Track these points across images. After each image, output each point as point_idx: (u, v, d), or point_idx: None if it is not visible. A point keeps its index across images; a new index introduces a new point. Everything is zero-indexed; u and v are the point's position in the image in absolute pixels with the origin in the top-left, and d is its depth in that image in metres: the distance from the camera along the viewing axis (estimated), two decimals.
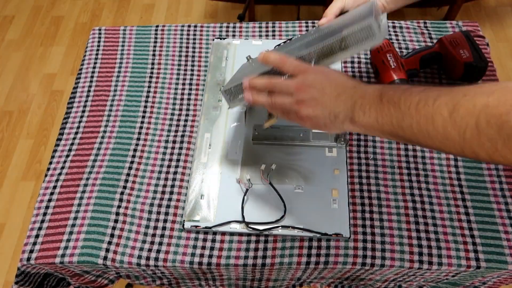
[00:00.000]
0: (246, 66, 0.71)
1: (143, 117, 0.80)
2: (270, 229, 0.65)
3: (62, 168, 0.74)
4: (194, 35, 0.91)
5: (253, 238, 0.66)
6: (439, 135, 0.40)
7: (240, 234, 0.66)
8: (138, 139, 0.77)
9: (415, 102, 0.42)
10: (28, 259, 0.65)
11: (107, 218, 0.68)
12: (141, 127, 0.78)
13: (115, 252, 0.65)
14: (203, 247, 0.65)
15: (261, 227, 0.65)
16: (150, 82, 0.84)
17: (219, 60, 0.85)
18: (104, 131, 0.78)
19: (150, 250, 0.65)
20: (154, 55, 0.88)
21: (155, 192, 0.71)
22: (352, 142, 0.75)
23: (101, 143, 0.77)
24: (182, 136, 0.77)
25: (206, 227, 0.66)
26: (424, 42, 0.86)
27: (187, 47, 0.89)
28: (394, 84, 0.48)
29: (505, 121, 0.34)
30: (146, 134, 0.78)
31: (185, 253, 0.65)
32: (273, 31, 0.91)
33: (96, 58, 0.89)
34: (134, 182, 0.72)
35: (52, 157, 0.76)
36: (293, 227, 0.65)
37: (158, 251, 0.65)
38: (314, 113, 0.49)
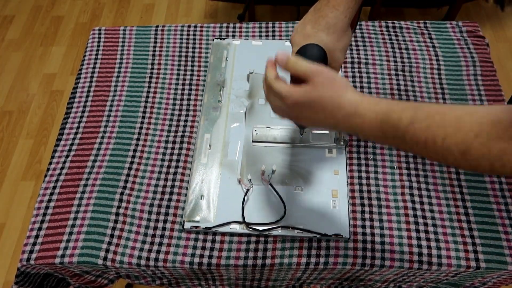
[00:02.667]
0: None
1: (143, 117, 0.80)
2: (270, 229, 0.65)
3: (62, 168, 0.74)
4: (194, 35, 0.91)
5: (253, 238, 0.66)
6: (451, 164, 0.42)
7: (240, 235, 0.66)
8: (138, 139, 0.77)
9: (423, 141, 0.41)
10: (28, 259, 0.65)
11: (107, 218, 0.69)
12: (141, 127, 0.78)
13: (115, 253, 0.65)
14: (203, 248, 0.65)
15: (261, 228, 0.65)
16: (150, 82, 0.84)
17: (219, 60, 0.85)
18: (104, 131, 0.78)
19: (150, 250, 0.65)
20: (154, 55, 0.88)
21: (155, 192, 0.71)
22: (352, 143, 0.75)
23: (101, 143, 0.77)
24: (182, 136, 0.77)
25: (206, 228, 0.66)
26: (424, 43, 0.86)
27: (187, 47, 0.89)
28: (390, 112, 0.44)
29: None
30: (146, 134, 0.78)
31: (185, 254, 0.65)
32: (273, 31, 0.91)
33: (96, 58, 0.89)
34: (134, 182, 0.72)
35: (52, 157, 0.76)
36: (293, 228, 0.65)
37: (158, 252, 0.65)
38: (317, 128, 0.51)
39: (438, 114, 0.41)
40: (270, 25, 0.92)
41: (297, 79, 0.48)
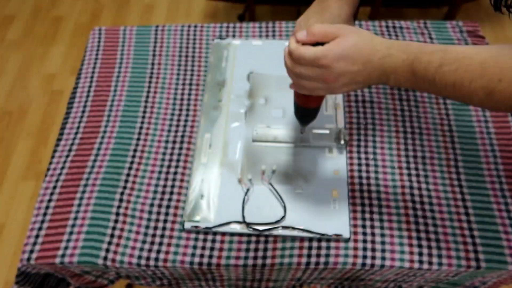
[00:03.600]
0: None
1: (143, 117, 0.80)
2: (270, 229, 0.65)
3: (62, 168, 0.74)
4: (194, 35, 0.91)
5: (253, 238, 0.66)
6: (476, 105, 0.45)
7: (240, 235, 0.66)
8: (138, 139, 0.77)
9: (451, 83, 0.44)
10: (28, 259, 0.65)
11: (107, 218, 0.69)
12: (141, 127, 0.78)
13: (115, 252, 0.65)
14: (203, 248, 0.65)
15: (261, 228, 0.65)
16: (150, 82, 0.84)
17: (219, 60, 0.85)
18: (104, 131, 0.78)
19: (150, 250, 0.65)
20: (154, 55, 0.88)
21: (155, 192, 0.71)
22: (352, 143, 0.75)
23: (101, 143, 0.77)
24: (182, 136, 0.77)
25: (206, 228, 0.66)
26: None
27: (187, 47, 0.89)
28: (421, 53, 0.45)
29: None
30: (146, 134, 0.78)
31: (185, 254, 0.65)
32: (273, 31, 0.91)
33: (96, 58, 0.89)
34: (134, 182, 0.72)
35: (52, 157, 0.76)
36: (293, 228, 0.65)
37: (158, 252, 0.65)
38: (349, 90, 0.50)
39: (465, 58, 0.44)
40: (270, 25, 0.92)
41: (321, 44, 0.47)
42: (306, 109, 0.61)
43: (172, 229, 0.67)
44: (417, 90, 0.48)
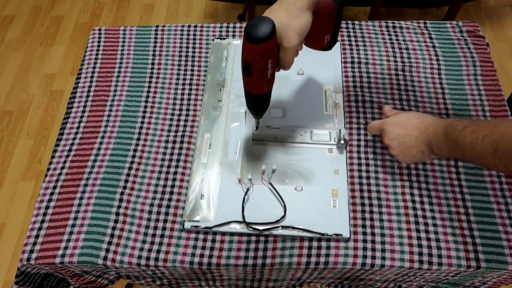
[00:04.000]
0: None
1: (143, 117, 0.80)
2: (270, 229, 0.65)
3: (62, 168, 0.74)
4: (194, 35, 0.91)
5: (253, 238, 0.66)
6: (491, 165, 0.51)
7: (240, 234, 0.66)
8: (138, 139, 0.77)
9: (469, 142, 0.51)
10: (28, 259, 0.65)
11: (107, 218, 0.69)
12: (141, 127, 0.78)
13: (115, 252, 0.65)
14: (203, 247, 0.65)
15: (261, 227, 0.65)
16: (150, 82, 0.84)
17: (219, 60, 0.85)
18: (104, 131, 0.78)
19: (150, 250, 0.65)
20: (154, 55, 0.88)
21: (155, 192, 0.71)
22: (352, 142, 0.75)
23: (101, 143, 0.77)
24: (182, 136, 0.77)
25: (206, 227, 0.66)
26: (424, 42, 0.86)
27: (187, 47, 0.89)
28: (454, 120, 0.56)
29: None
30: (146, 134, 0.78)
31: (185, 253, 0.65)
32: None
33: (96, 58, 0.89)
34: (134, 182, 0.72)
35: (52, 157, 0.76)
36: (293, 227, 0.65)
37: (158, 251, 0.65)
38: (405, 155, 0.64)
39: (484, 121, 0.52)
40: None
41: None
42: (257, 96, 0.61)
43: (172, 229, 0.67)
44: (456, 157, 0.59)
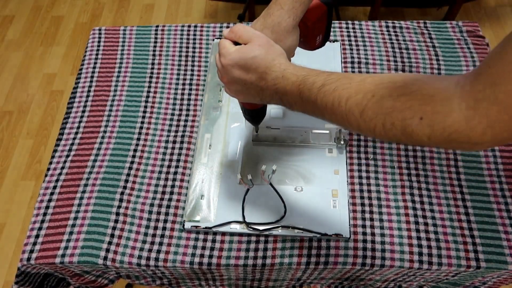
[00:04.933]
0: None
1: (143, 117, 0.80)
2: (270, 229, 0.65)
3: (62, 168, 0.74)
4: (194, 35, 0.91)
5: (253, 238, 0.66)
6: (354, 129, 0.43)
7: (240, 234, 0.66)
8: (138, 139, 0.77)
9: (330, 103, 0.44)
10: (28, 259, 0.65)
11: (107, 218, 0.69)
12: (141, 127, 0.78)
13: (115, 252, 0.65)
14: (203, 247, 0.65)
15: (261, 227, 0.65)
16: (150, 82, 0.84)
17: None
18: (104, 131, 0.78)
19: (150, 250, 0.65)
20: (154, 55, 0.88)
21: (155, 192, 0.71)
22: (352, 143, 0.75)
23: (101, 143, 0.77)
24: (182, 136, 0.77)
25: (206, 228, 0.66)
26: (424, 42, 0.86)
27: (187, 47, 0.89)
28: (308, 75, 0.46)
29: (408, 125, 0.38)
30: (146, 134, 0.78)
31: (185, 253, 0.65)
32: None
33: (96, 58, 0.89)
34: (134, 182, 0.72)
35: (52, 157, 0.76)
36: (293, 228, 0.65)
37: (158, 251, 0.65)
38: (245, 100, 0.54)
39: (346, 77, 0.43)
40: None
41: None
42: (252, 111, 0.62)
43: (172, 229, 0.67)
44: (312, 115, 0.49)
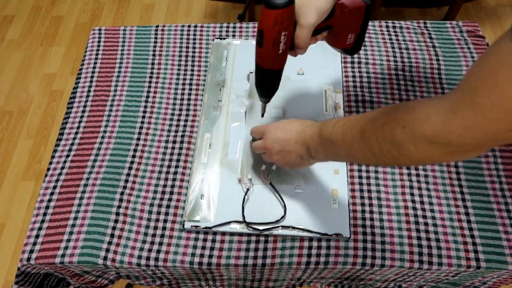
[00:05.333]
0: None
1: (143, 117, 0.80)
2: (270, 229, 0.65)
3: (62, 168, 0.74)
4: (194, 35, 0.91)
5: (253, 238, 0.66)
6: (360, 156, 0.49)
7: (240, 234, 0.66)
8: (138, 139, 0.77)
9: (340, 134, 0.50)
10: (28, 259, 0.65)
11: (107, 218, 0.69)
12: (141, 127, 0.78)
13: (115, 252, 0.65)
14: (203, 247, 0.65)
15: (261, 227, 0.65)
16: (150, 82, 0.84)
17: (219, 60, 0.85)
18: (104, 131, 0.78)
19: (150, 250, 0.65)
20: (154, 55, 0.88)
21: (155, 192, 0.71)
22: None
23: (101, 143, 0.77)
24: (182, 136, 0.77)
25: (206, 227, 0.66)
26: (424, 42, 0.86)
27: (187, 47, 0.89)
28: (324, 122, 0.55)
29: (394, 135, 0.42)
30: (146, 134, 0.78)
31: (185, 253, 0.65)
32: None
33: (96, 58, 0.89)
34: (134, 182, 0.72)
35: (52, 157, 0.76)
36: (293, 227, 0.65)
37: (158, 251, 0.65)
38: (286, 160, 0.62)
39: (353, 115, 0.51)
40: None
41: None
42: (266, 71, 0.59)
43: (172, 229, 0.67)
44: (332, 157, 0.56)
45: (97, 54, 0.89)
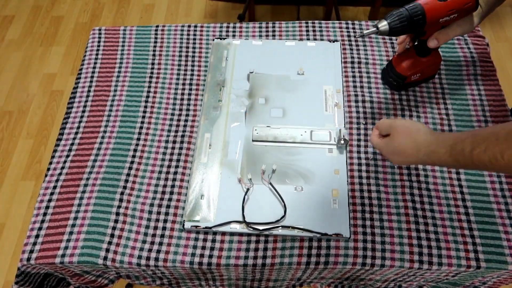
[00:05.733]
0: None
1: (143, 117, 0.80)
2: (270, 229, 0.65)
3: (62, 168, 0.74)
4: (194, 35, 0.91)
5: (253, 238, 0.66)
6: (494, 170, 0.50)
7: (240, 234, 0.66)
8: (138, 139, 0.77)
9: (488, 161, 0.49)
10: (28, 259, 0.65)
11: (107, 218, 0.69)
12: (141, 127, 0.78)
13: (115, 252, 0.65)
14: (203, 247, 0.65)
15: (261, 227, 0.65)
16: (150, 82, 0.84)
17: (219, 60, 0.85)
18: (104, 131, 0.78)
19: (150, 250, 0.65)
20: (154, 55, 0.88)
21: (155, 192, 0.71)
22: (352, 142, 0.75)
23: (101, 143, 0.77)
24: (182, 136, 0.77)
25: (206, 227, 0.66)
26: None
27: (187, 47, 0.89)
28: (455, 144, 0.53)
29: None
30: (146, 134, 0.78)
31: (185, 253, 0.65)
32: (273, 31, 0.91)
33: (96, 58, 0.89)
34: (134, 182, 0.72)
35: (52, 157, 0.76)
36: (293, 227, 0.65)
37: (158, 251, 0.65)
38: (399, 162, 0.60)
39: (492, 134, 0.49)
40: (270, 25, 0.92)
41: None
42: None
43: (172, 229, 0.67)
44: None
45: (97, 54, 0.89)
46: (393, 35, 0.66)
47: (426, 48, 0.72)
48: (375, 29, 0.66)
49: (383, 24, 0.65)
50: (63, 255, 0.65)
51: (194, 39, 0.91)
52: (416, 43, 0.74)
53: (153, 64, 0.87)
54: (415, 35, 0.72)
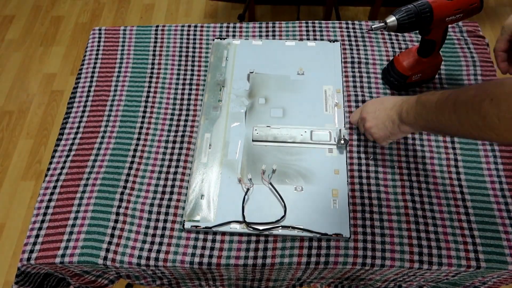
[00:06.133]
0: None
1: (143, 117, 0.80)
2: (270, 229, 0.65)
3: (62, 168, 0.74)
4: (194, 35, 0.91)
5: (253, 238, 0.66)
6: (447, 123, 0.51)
7: (240, 234, 0.66)
8: (138, 139, 0.77)
9: (435, 101, 0.53)
10: (28, 259, 0.65)
11: (107, 218, 0.69)
12: (141, 127, 0.78)
13: (115, 252, 0.65)
14: (203, 247, 0.65)
15: (261, 227, 0.65)
16: (150, 82, 0.84)
17: (219, 60, 0.85)
18: (104, 131, 0.78)
19: (150, 250, 0.65)
20: (154, 55, 0.88)
21: (155, 192, 0.71)
22: (352, 142, 0.75)
23: (101, 143, 0.77)
24: (182, 136, 0.77)
25: (206, 227, 0.66)
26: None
27: (187, 47, 0.89)
28: (428, 92, 0.57)
29: (482, 106, 0.44)
30: (146, 134, 0.78)
31: (185, 253, 0.65)
32: (273, 31, 0.91)
33: (96, 58, 0.89)
34: (134, 182, 0.72)
35: (52, 157, 0.76)
36: (293, 227, 0.65)
37: (158, 251, 0.65)
38: (378, 127, 0.66)
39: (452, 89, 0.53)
40: (270, 25, 0.92)
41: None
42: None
43: (172, 229, 0.67)
44: (422, 124, 0.59)
45: (97, 54, 0.89)
46: (401, 31, 0.67)
47: (428, 48, 0.73)
48: (383, 24, 0.66)
49: (392, 20, 0.66)
50: (63, 255, 0.65)
51: (194, 39, 0.91)
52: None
53: (153, 64, 0.87)
54: (420, 33, 0.72)
